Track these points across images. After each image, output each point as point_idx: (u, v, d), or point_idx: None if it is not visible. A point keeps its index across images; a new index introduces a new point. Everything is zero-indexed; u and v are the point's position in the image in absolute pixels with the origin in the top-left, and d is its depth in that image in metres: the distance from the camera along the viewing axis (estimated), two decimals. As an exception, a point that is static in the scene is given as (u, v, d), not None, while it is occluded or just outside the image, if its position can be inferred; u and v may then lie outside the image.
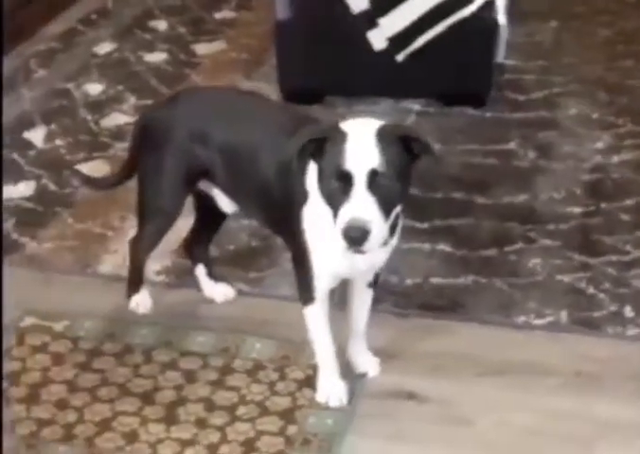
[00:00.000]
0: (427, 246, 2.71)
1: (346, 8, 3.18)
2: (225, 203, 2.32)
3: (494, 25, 3.21)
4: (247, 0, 4.23)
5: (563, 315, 2.46)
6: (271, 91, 3.36)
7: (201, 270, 2.51)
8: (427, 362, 2.33)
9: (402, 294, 2.54)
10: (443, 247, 2.71)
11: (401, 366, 2.32)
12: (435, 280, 2.59)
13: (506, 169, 3.04)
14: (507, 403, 2.22)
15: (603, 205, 2.86)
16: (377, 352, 2.33)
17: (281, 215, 2.13)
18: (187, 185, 2.29)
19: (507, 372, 2.30)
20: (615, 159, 3.08)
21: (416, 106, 3.37)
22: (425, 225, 2.78)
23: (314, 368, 2.25)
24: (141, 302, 2.46)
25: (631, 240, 2.70)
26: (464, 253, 2.68)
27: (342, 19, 3.21)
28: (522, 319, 2.45)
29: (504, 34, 3.33)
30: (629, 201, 2.86)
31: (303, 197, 2.04)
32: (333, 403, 2.19)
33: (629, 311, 2.46)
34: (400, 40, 3.18)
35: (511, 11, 3.45)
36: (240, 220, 2.74)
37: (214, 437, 2.10)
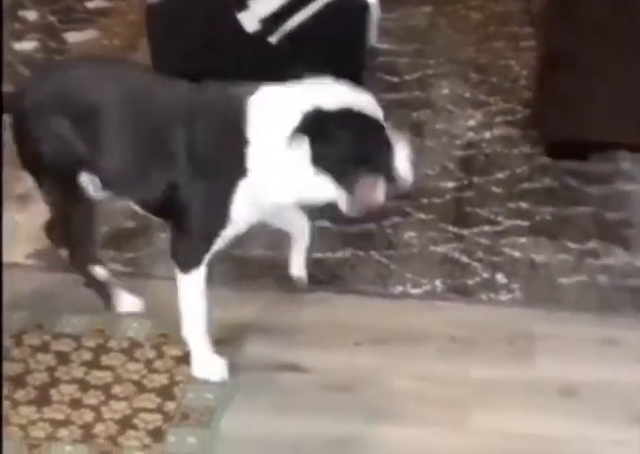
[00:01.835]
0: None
1: (218, -9, 3.16)
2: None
3: (364, 5, 3.23)
4: (120, -11, 4.18)
5: (438, 283, 2.50)
6: (145, 76, 3.33)
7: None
8: (308, 334, 2.34)
9: (283, 269, 2.54)
10: (322, 223, 2.72)
11: (283, 339, 2.32)
12: (314, 255, 2.59)
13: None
14: (387, 370, 2.24)
15: (476, 179, 2.92)
16: (259, 326, 2.33)
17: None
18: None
19: (386, 340, 2.32)
20: (487, 135, 3.14)
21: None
22: (303, 202, 2.79)
23: (192, 345, 2.23)
24: None
25: (503, 211, 2.76)
26: (343, 228, 2.70)
27: (213, 2, 3.18)
28: (399, 289, 2.48)
29: (375, 16, 3.36)
30: (500, 175, 2.93)
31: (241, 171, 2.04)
32: (214, 378, 2.17)
33: (501, 278, 2.51)
34: (272, 21, 3.17)
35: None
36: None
37: (88, 416, 2.06)
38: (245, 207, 2.08)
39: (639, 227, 2.66)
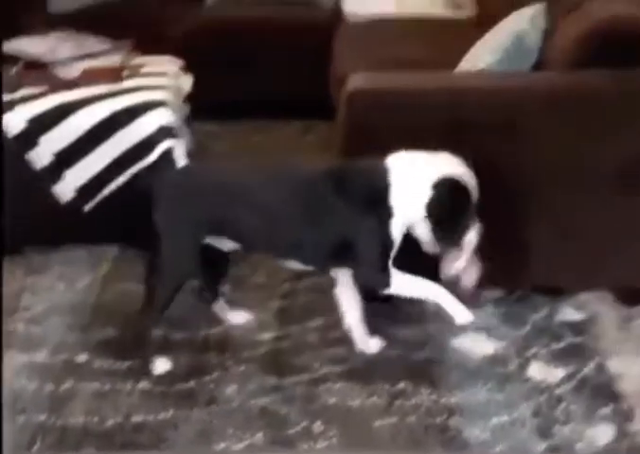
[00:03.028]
0: (128, 385, 2.77)
1: (29, 164, 3.27)
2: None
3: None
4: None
5: (260, 436, 2.58)
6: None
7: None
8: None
9: (104, 435, 2.57)
10: (143, 385, 2.77)
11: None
12: (136, 418, 2.64)
13: (199, 304, 3.17)
14: None
15: (292, 328, 3.05)
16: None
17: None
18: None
19: (208, 500, 2.37)
20: (302, 285, 3.30)
21: (113, 251, 3.48)
22: (124, 366, 2.84)
23: None
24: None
25: (319, 358, 2.90)
26: (163, 388, 2.76)
27: (26, 174, 3.28)
28: (222, 445, 2.55)
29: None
30: (314, 323, 3.08)
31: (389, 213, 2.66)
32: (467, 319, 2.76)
33: (318, 426, 2.62)
34: (86, 191, 3.29)
35: (198, 155, 3.67)
36: None
37: None
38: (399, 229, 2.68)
39: (443, 365, 2.85)
